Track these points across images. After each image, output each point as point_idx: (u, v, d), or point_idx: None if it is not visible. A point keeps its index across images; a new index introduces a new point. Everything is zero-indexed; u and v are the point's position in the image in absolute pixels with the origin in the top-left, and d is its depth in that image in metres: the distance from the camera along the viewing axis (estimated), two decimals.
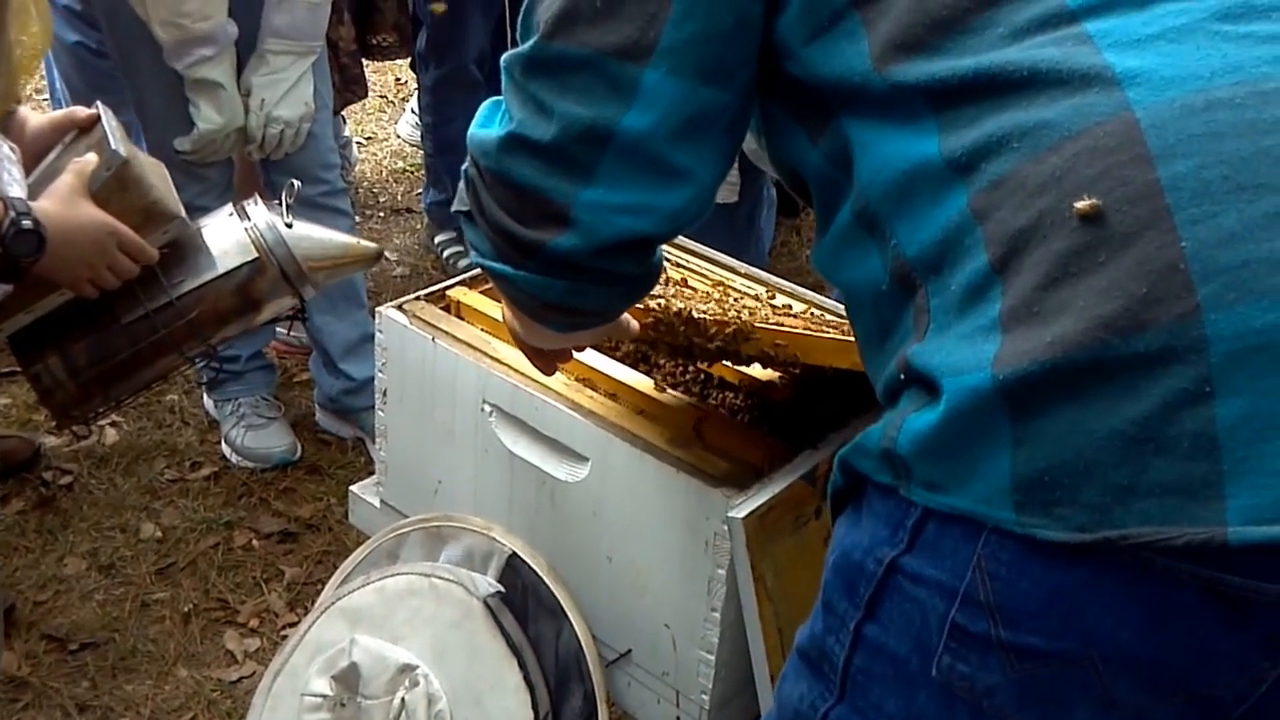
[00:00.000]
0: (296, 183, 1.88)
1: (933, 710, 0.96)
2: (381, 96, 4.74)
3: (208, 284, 1.78)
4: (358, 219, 3.58)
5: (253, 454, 2.71)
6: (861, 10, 0.98)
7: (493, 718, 1.72)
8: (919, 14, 0.96)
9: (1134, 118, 0.87)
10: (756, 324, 1.64)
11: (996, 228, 0.90)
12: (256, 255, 1.79)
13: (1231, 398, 0.82)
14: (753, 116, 1.14)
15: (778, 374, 1.81)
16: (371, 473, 2.19)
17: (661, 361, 1.86)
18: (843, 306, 1.67)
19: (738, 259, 2.10)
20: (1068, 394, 0.85)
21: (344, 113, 3.63)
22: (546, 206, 1.09)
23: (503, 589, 1.78)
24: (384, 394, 1.97)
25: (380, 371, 1.96)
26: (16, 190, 1.60)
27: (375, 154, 4.34)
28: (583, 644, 1.76)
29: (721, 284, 2.00)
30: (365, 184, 4.11)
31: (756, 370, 1.80)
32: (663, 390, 1.76)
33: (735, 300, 1.91)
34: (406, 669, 1.74)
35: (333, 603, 1.86)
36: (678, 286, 1.94)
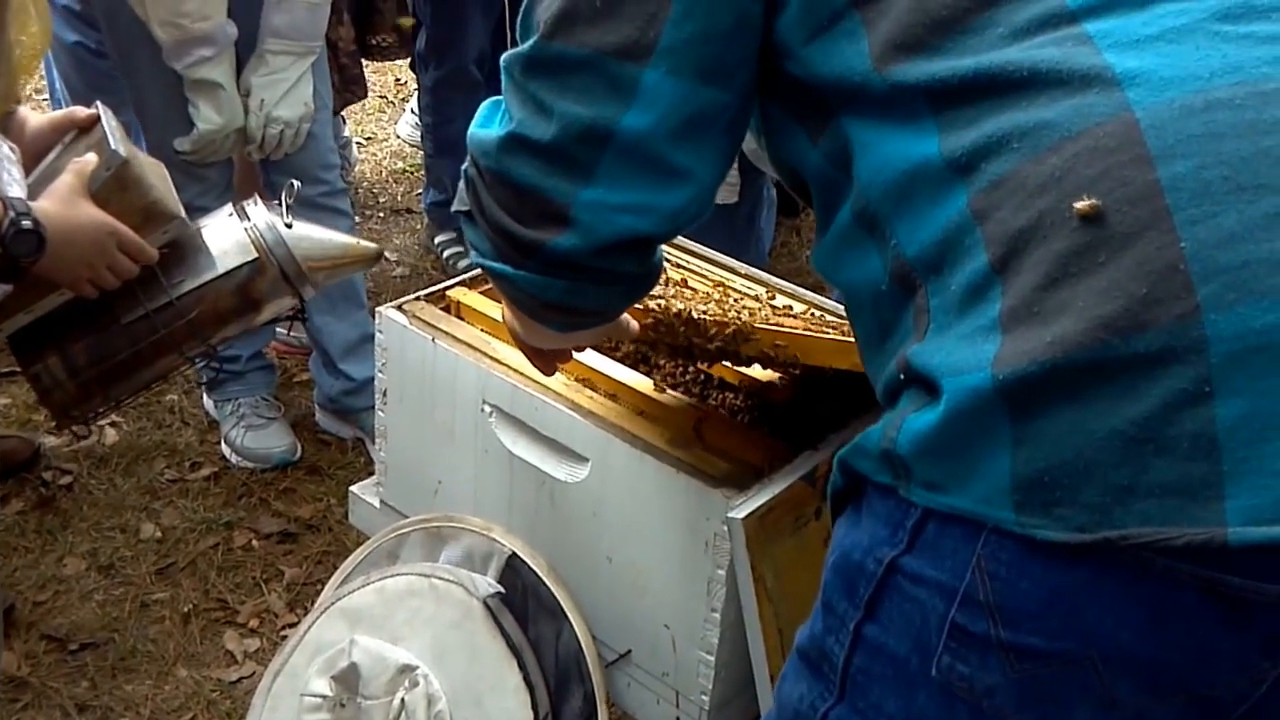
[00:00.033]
0: (296, 183, 1.88)
1: (932, 710, 0.96)
2: (381, 97, 4.74)
3: (208, 284, 1.78)
4: (358, 219, 3.58)
5: (253, 454, 2.71)
6: (861, 10, 0.98)
7: (492, 718, 1.72)
8: (919, 14, 0.96)
9: (1134, 118, 0.87)
10: (756, 325, 1.64)
11: (996, 228, 0.90)
12: (256, 255, 1.79)
13: (1231, 398, 0.82)
14: (753, 116, 1.14)
15: (778, 375, 1.81)
16: (371, 473, 2.19)
17: (661, 362, 1.86)
18: (843, 307, 1.68)
19: (738, 259, 2.10)
20: (1068, 394, 0.85)
21: (344, 113, 3.64)
22: (546, 206, 1.09)
23: (502, 589, 1.78)
24: (384, 394, 1.97)
25: (380, 372, 1.96)
26: (16, 190, 1.60)
27: (375, 154, 4.34)
28: (582, 644, 1.76)
29: (722, 285, 2.00)
30: (365, 184, 4.11)
31: (756, 371, 1.80)
32: (663, 391, 1.76)
33: (735, 301, 1.91)
34: (406, 669, 1.74)
35: (332, 603, 1.86)
36: (678, 287, 1.94)
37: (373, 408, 2.02)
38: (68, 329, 1.75)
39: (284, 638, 2.20)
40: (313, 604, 2.07)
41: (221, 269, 1.79)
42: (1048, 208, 0.87)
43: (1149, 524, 0.83)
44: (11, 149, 1.65)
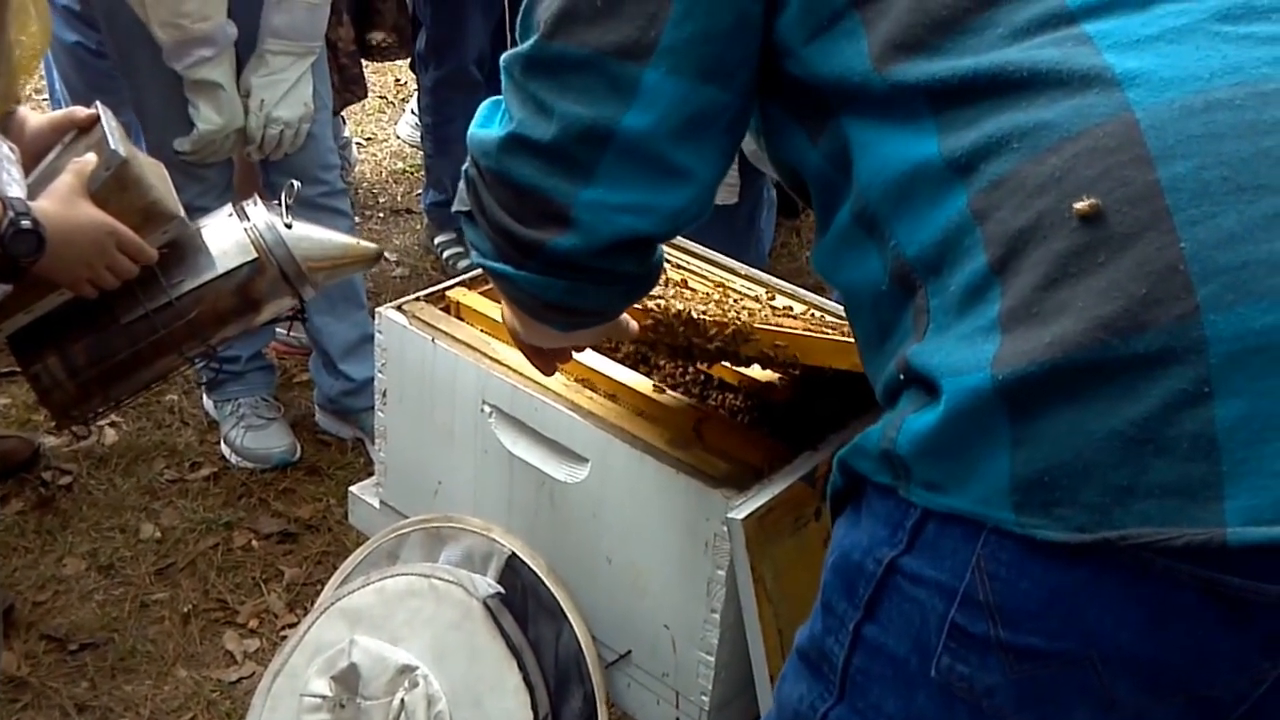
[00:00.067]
0: (296, 183, 1.88)
1: (932, 710, 0.96)
2: (381, 97, 4.74)
3: (207, 284, 1.78)
4: (357, 219, 3.58)
5: (252, 454, 2.71)
6: (861, 10, 0.98)
7: (492, 719, 1.72)
8: (919, 14, 0.96)
9: (1134, 118, 0.87)
10: (756, 325, 1.64)
11: (996, 228, 0.90)
12: (256, 255, 1.79)
13: (1231, 399, 0.82)
14: (752, 116, 1.14)
15: (777, 375, 1.81)
16: (371, 473, 2.19)
17: (661, 362, 1.86)
18: (842, 308, 1.68)
19: (738, 260, 2.10)
20: (1067, 395, 0.85)
21: (344, 113, 3.64)
22: (547, 206, 1.09)
23: (502, 590, 1.78)
24: (383, 395, 1.97)
25: (380, 372, 1.96)
26: (16, 190, 1.60)
27: (375, 155, 4.34)
28: (582, 645, 1.76)
29: (721, 285, 2.00)
30: (365, 185, 4.11)
31: (756, 371, 1.80)
32: (662, 391, 1.76)
33: (735, 302, 1.91)
34: (406, 670, 1.74)
35: (332, 603, 1.86)
36: (678, 288, 1.94)
37: (372, 408, 2.02)
38: (67, 329, 1.75)
39: (284, 638, 2.20)
40: (312, 604, 2.07)
41: (221, 269, 1.79)
42: (1047, 208, 0.87)
43: (1148, 524, 0.83)
44: (11, 149, 1.65)
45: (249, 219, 1.82)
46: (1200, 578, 0.83)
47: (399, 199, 4.05)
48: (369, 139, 4.45)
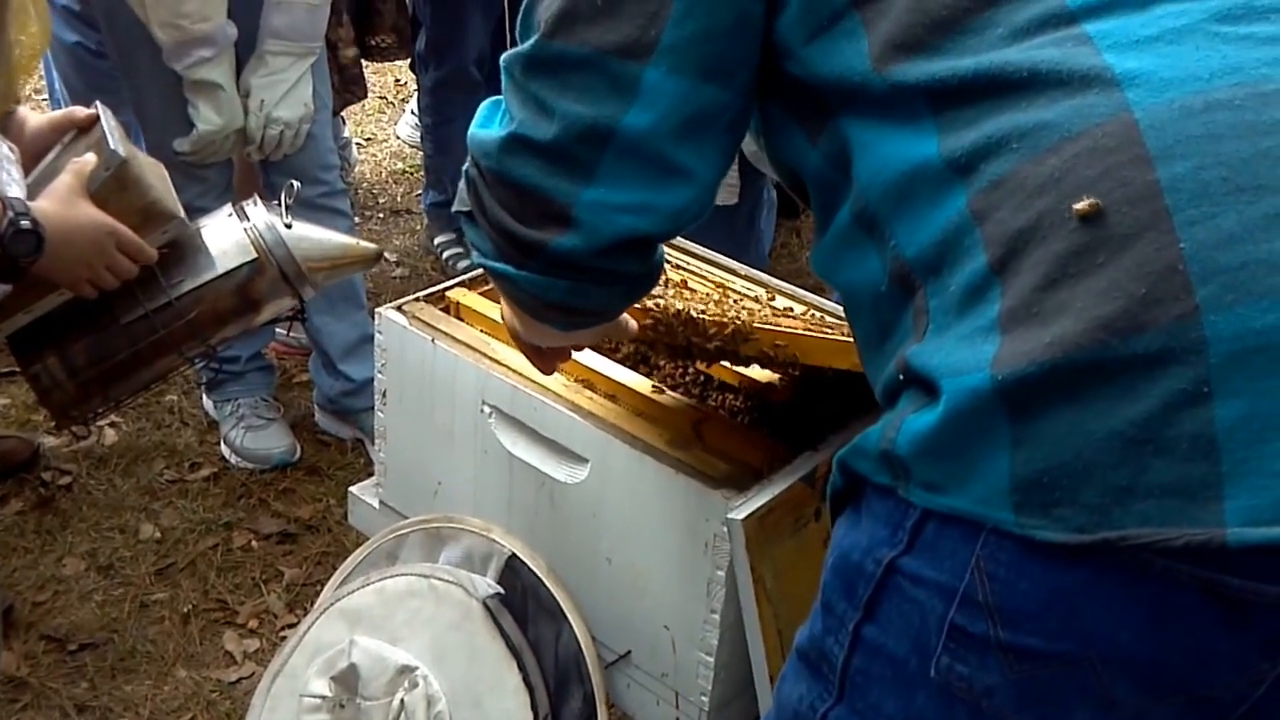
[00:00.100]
0: (296, 183, 1.88)
1: (931, 711, 0.96)
2: (381, 97, 4.74)
3: (207, 284, 1.78)
4: (357, 220, 3.58)
5: (252, 455, 2.71)
6: (861, 10, 0.98)
7: (492, 719, 1.72)
8: (918, 14, 0.96)
9: (1133, 119, 0.87)
10: (756, 324, 1.64)
11: (995, 228, 0.90)
12: (256, 256, 1.79)
13: (1230, 399, 0.82)
14: (752, 116, 1.14)
15: (777, 375, 1.81)
16: (371, 474, 2.19)
17: (661, 363, 1.86)
18: (842, 308, 1.67)
19: (738, 260, 2.10)
20: (1067, 395, 0.85)
21: (344, 114, 3.64)
22: (548, 206, 1.09)
23: (502, 590, 1.78)
24: (383, 395, 1.97)
25: (380, 373, 1.96)
26: (15, 190, 1.60)
27: (375, 155, 4.35)
28: (582, 645, 1.76)
29: (721, 286, 2.00)
30: (365, 185, 4.12)
31: (756, 371, 1.80)
32: (662, 392, 1.76)
33: (735, 302, 1.91)
34: (406, 670, 1.74)
35: (332, 604, 1.86)
36: (678, 288, 1.94)
37: (372, 408, 2.02)
38: (67, 329, 1.75)
39: (283, 638, 2.20)
40: (312, 604, 2.07)
41: (221, 269, 1.79)
42: (1047, 208, 0.87)
43: (1148, 525, 0.83)
44: (11, 149, 1.65)
45: (249, 219, 1.82)
46: (1200, 578, 0.83)
47: (399, 199, 4.05)
48: (369, 139, 4.45)
